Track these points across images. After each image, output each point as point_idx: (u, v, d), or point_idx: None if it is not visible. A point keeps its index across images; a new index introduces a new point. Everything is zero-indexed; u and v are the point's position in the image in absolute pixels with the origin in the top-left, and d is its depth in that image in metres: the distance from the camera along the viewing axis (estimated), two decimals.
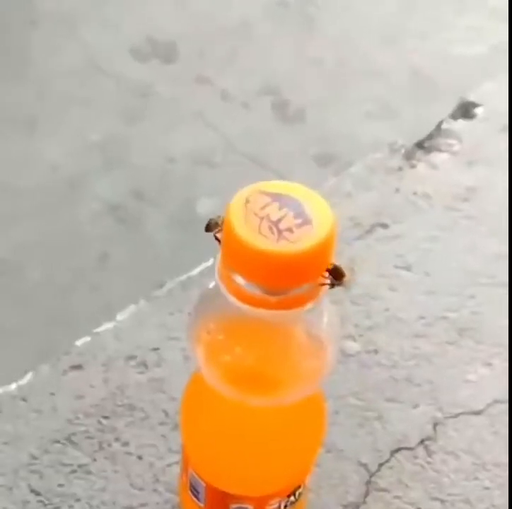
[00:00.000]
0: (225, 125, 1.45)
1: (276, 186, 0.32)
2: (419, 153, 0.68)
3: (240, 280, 0.31)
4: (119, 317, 0.56)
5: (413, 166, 0.67)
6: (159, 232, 1.29)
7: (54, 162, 1.38)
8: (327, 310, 0.34)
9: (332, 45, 1.64)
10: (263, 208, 0.31)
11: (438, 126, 0.71)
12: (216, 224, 0.31)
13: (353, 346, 0.56)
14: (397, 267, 0.60)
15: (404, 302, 0.58)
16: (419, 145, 0.69)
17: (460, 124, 0.71)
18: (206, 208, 1.31)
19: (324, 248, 0.31)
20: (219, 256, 0.32)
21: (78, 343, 0.55)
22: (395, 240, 0.62)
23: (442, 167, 0.67)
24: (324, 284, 0.32)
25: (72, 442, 0.50)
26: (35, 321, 1.16)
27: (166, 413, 0.51)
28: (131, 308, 0.57)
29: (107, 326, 0.56)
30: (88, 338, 0.55)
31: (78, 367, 0.53)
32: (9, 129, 1.43)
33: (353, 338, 0.56)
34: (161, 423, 0.51)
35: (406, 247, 0.62)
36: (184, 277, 0.59)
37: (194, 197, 1.33)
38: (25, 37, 1.61)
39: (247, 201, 0.31)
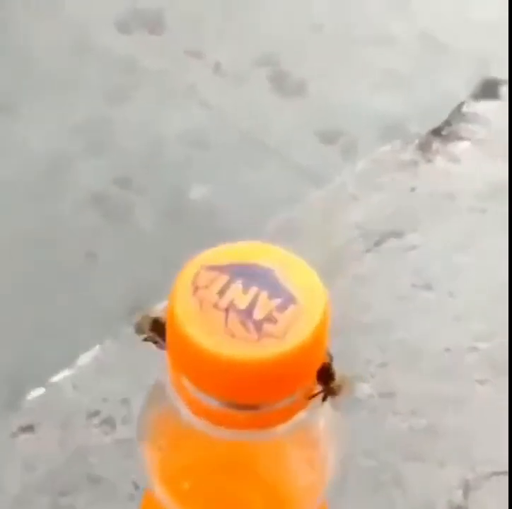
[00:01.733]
0: (219, 101, 1.38)
1: (227, 252, 0.22)
2: (436, 143, 0.59)
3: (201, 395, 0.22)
4: (80, 361, 0.47)
5: (429, 160, 0.58)
6: (148, 222, 1.21)
7: (33, 149, 1.29)
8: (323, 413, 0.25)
9: (335, 9, 1.53)
10: (222, 293, 0.21)
11: (458, 108, 0.61)
12: (153, 324, 0.21)
13: (363, 389, 0.47)
14: (414, 286, 0.52)
15: (424, 330, 0.50)
16: (436, 132, 0.59)
17: (483, 106, 0.61)
18: (199, 195, 1.23)
19: (322, 334, 0.22)
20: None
21: (29, 397, 0.46)
22: (412, 251, 0.53)
23: (464, 159, 0.58)
24: (313, 395, 0.22)
25: None
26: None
27: (136, 486, 0.42)
28: (96, 349, 0.48)
29: (65, 373, 0.47)
30: (42, 390, 0.46)
31: (28, 428, 0.44)
32: None
33: (363, 378, 0.47)
34: (131, 498, 0.42)
35: (425, 261, 0.53)
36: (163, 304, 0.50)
37: (187, 183, 1.26)
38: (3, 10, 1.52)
39: (196, 288, 0.21)
